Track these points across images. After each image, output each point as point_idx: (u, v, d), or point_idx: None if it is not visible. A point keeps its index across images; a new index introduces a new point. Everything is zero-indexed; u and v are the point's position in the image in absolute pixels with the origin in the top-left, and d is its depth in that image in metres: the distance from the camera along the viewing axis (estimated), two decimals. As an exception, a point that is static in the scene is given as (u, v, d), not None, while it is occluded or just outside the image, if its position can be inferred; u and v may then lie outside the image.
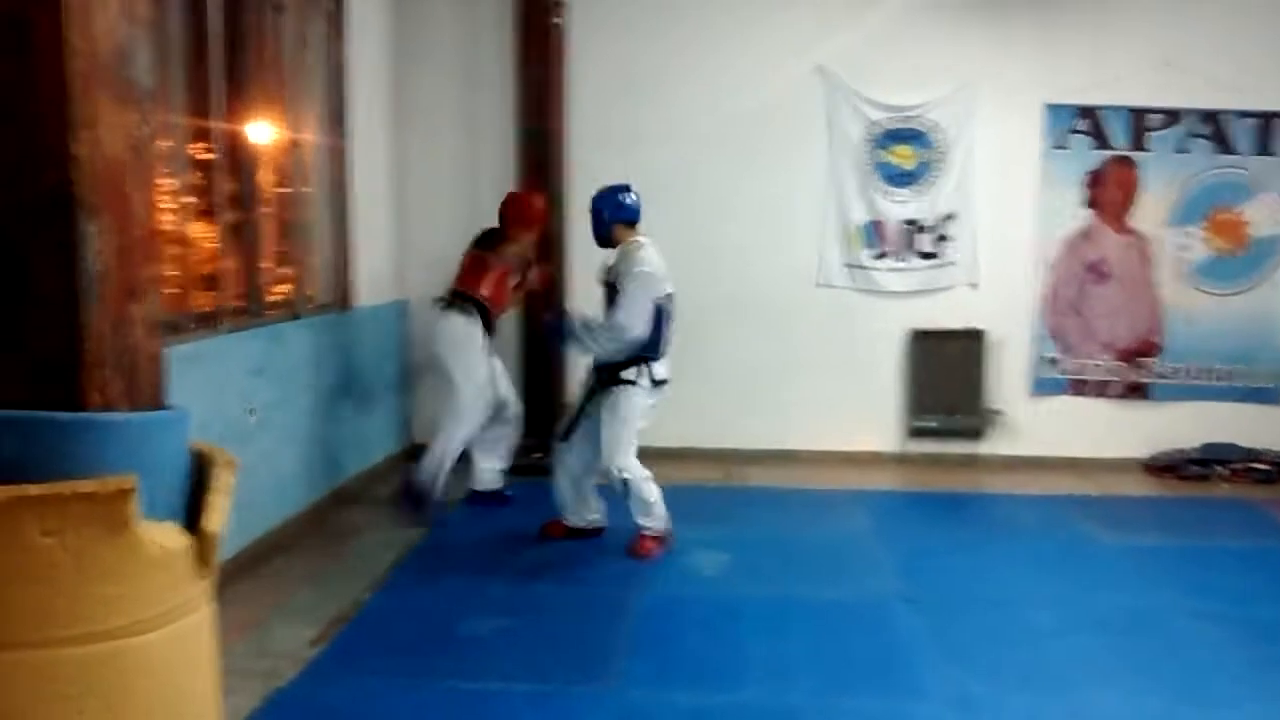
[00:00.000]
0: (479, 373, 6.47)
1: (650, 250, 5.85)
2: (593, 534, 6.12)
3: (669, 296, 5.84)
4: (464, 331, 6.44)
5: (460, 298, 6.50)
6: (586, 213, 6.06)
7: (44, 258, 2.10)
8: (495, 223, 6.69)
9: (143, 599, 2.07)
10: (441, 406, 6.55)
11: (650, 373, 5.83)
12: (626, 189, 5.99)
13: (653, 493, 5.83)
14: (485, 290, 6.53)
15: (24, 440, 2.02)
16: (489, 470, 6.85)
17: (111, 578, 2.01)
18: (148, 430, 2.14)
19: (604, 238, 5.95)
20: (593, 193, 6.04)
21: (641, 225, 6.00)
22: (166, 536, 2.08)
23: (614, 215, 5.90)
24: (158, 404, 2.26)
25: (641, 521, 5.83)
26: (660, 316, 5.80)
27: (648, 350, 5.80)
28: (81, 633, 2.03)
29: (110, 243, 2.16)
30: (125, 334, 2.20)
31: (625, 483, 5.75)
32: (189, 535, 2.14)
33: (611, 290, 5.86)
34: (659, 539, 5.88)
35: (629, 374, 5.78)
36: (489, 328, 6.55)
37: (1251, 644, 4.69)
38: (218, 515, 2.16)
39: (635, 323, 5.67)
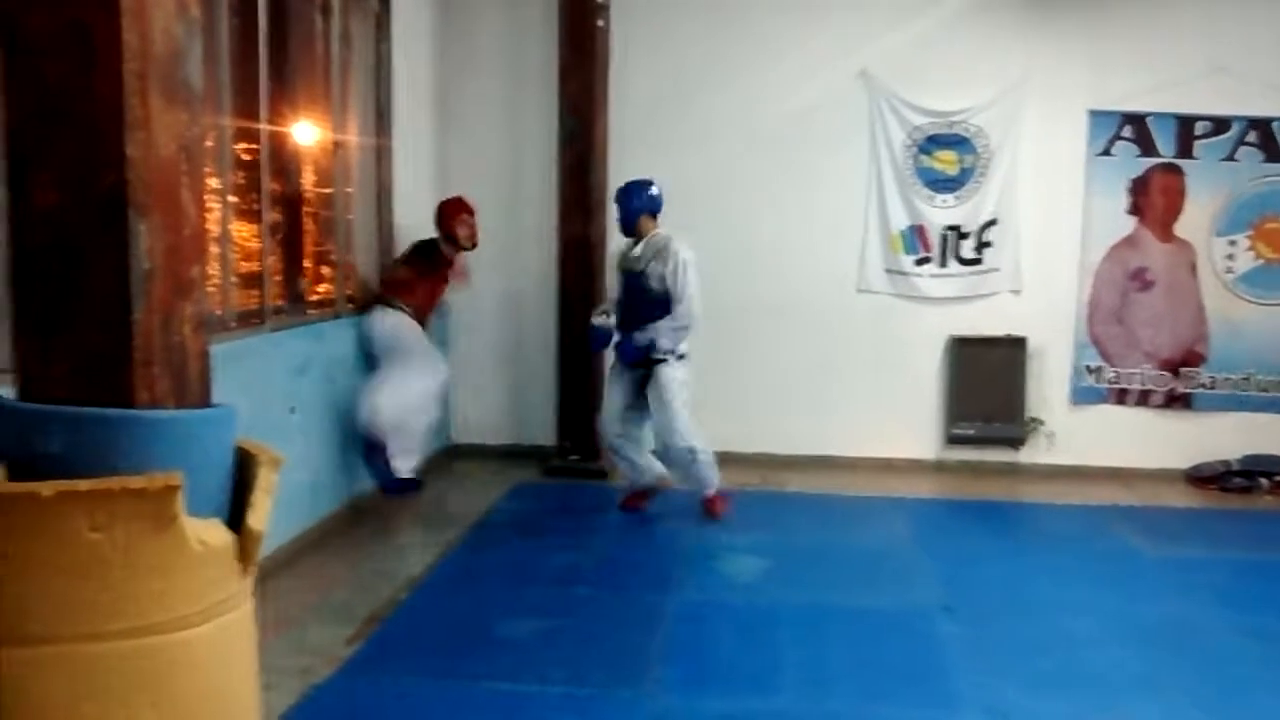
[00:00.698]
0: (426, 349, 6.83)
1: (683, 240, 6.32)
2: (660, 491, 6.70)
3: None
4: (406, 323, 6.69)
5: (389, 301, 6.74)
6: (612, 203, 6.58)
7: (99, 256, 2.13)
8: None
9: (187, 594, 2.10)
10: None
11: (682, 351, 6.33)
12: (651, 182, 6.47)
13: (711, 455, 6.43)
14: (416, 300, 6.81)
15: (73, 436, 2.05)
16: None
17: (157, 573, 2.03)
18: (194, 427, 2.17)
19: (631, 226, 6.41)
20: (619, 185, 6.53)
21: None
22: (210, 533, 2.10)
23: (643, 206, 6.38)
24: (204, 401, 2.28)
25: (709, 485, 6.46)
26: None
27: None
28: (128, 627, 2.05)
29: (160, 242, 2.19)
30: (173, 332, 2.22)
31: (693, 452, 6.32)
32: (232, 532, 2.16)
33: (631, 277, 6.37)
34: (725, 496, 6.54)
35: (659, 353, 6.28)
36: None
37: (1294, 658, 4.63)
38: (261, 513, 2.18)
39: (699, 307, 6.25)
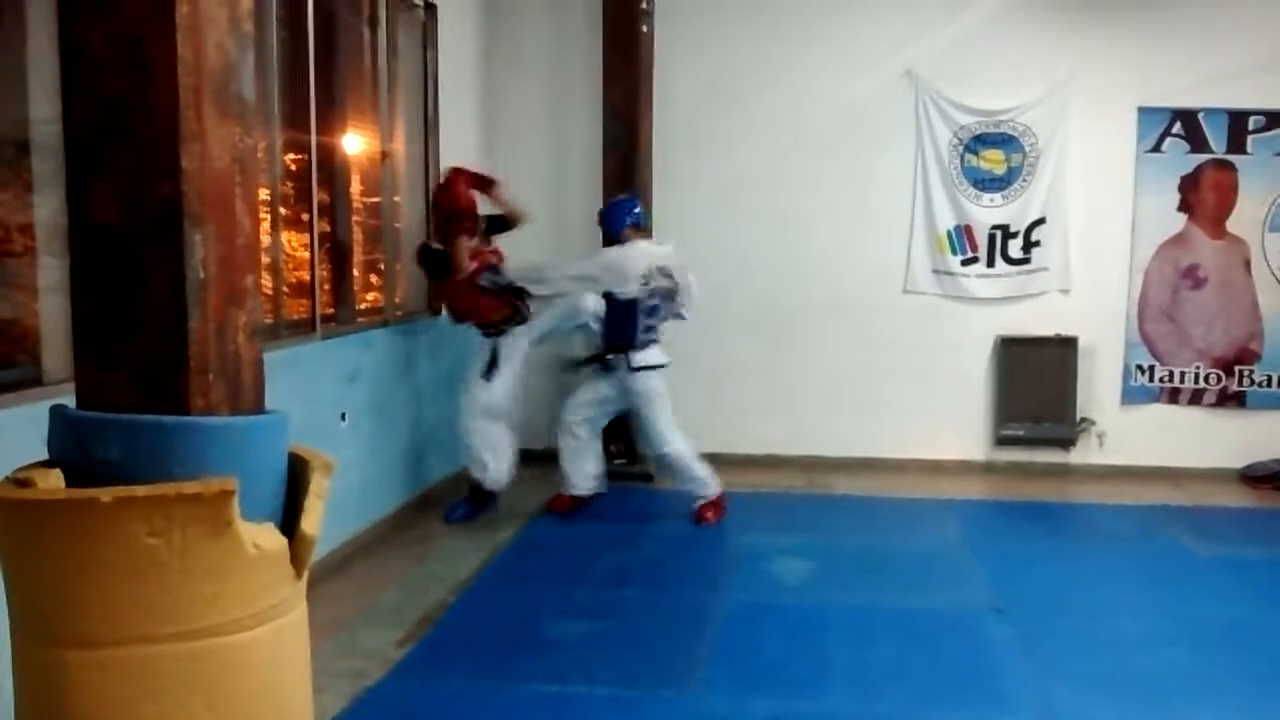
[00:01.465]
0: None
1: (642, 248, 6.54)
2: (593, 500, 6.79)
3: (652, 293, 6.46)
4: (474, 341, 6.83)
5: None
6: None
7: (155, 267, 2.17)
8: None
9: (242, 598, 2.13)
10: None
11: (628, 360, 6.45)
12: (636, 201, 6.83)
13: (698, 461, 6.56)
14: (466, 312, 6.72)
15: (130, 443, 2.09)
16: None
17: (213, 577, 2.07)
18: (248, 434, 2.20)
19: (614, 239, 6.62)
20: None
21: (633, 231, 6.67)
22: (264, 537, 2.13)
23: (630, 223, 6.63)
24: (258, 408, 2.32)
25: (697, 491, 6.57)
26: (635, 309, 6.40)
27: (622, 340, 6.45)
28: (184, 629, 2.08)
29: (214, 251, 2.22)
30: (227, 340, 2.26)
31: (667, 457, 6.53)
32: (286, 537, 2.19)
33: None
34: (716, 504, 6.57)
35: (615, 359, 6.52)
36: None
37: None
38: (314, 518, 2.21)
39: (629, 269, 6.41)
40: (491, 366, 6.61)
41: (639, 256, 6.45)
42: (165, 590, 2.06)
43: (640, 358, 6.46)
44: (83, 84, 2.17)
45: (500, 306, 6.65)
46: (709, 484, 6.56)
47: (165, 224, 2.14)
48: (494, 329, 6.67)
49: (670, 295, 6.61)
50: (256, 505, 2.14)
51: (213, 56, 2.21)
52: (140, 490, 2.01)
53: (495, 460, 6.62)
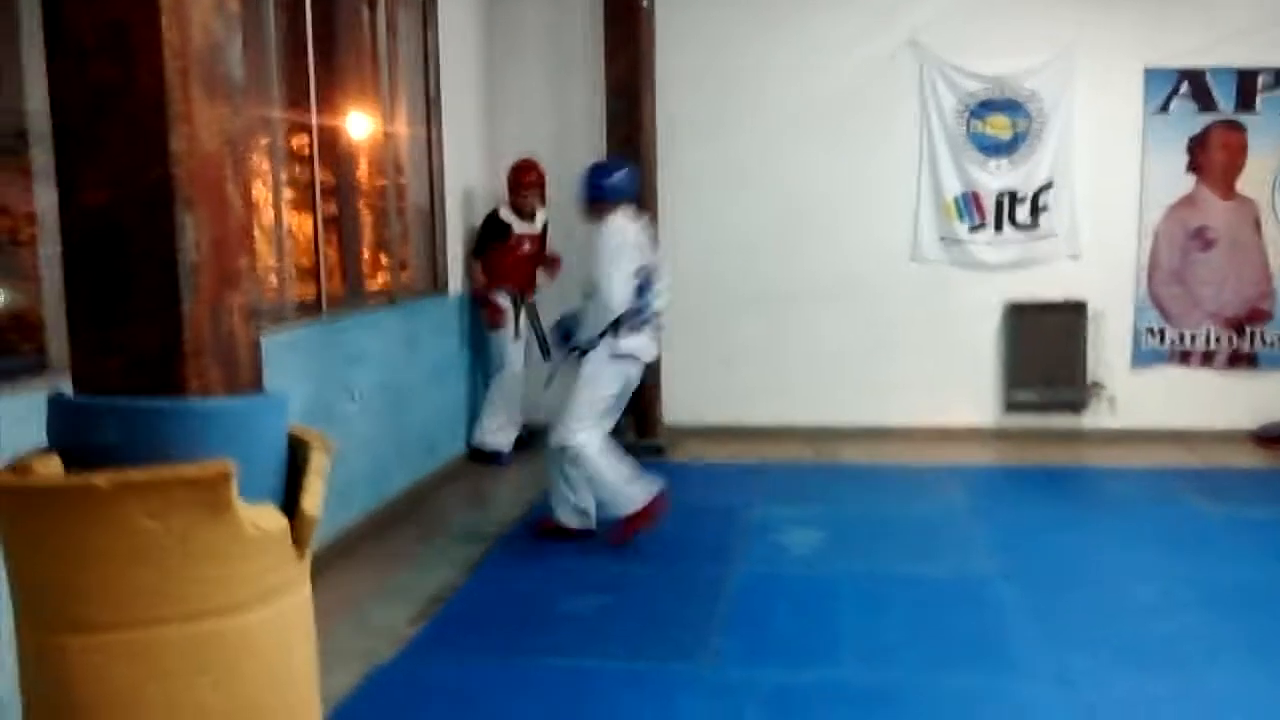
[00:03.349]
0: None
1: (623, 223, 5.58)
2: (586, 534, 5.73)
3: (643, 269, 5.57)
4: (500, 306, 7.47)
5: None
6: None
7: (147, 250, 2.16)
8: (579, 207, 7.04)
9: (244, 579, 2.13)
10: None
11: (612, 343, 5.53)
12: (618, 167, 5.79)
13: (611, 472, 5.52)
14: (503, 279, 7.47)
15: (127, 427, 2.09)
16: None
17: (214, 559, 2.07)
18: (245, 415, 2.20)
19: (587, 211, 5.70)
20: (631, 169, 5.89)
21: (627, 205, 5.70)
22: (265, 518, 2.14)
23: (597, 193, 5.62)
24: (256, 389, 2.32)
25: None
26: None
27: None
28: (187, 611, 2.09)
29: (206, 234, 2.22)
30: (223, 322, 2.25)
31: (571, 454, 5.49)
32: (287, 517, 2.19)
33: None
34: (638, 518, 5.54)
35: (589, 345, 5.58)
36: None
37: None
38: (314, 497, 2.21)
39: (615, 290, 5.42)
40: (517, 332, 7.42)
41: (617, 249, 5.49)
42: (167, 574, 2.07)
43: (625, 344, 5.57)
44: (68, 70, 2.16)
45: (532, 278, 7.55)
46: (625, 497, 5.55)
47: (156, 207, 2.14)
48: (524, 297, 7.44)
49: (649, 275, 5.64)
50: (256, 486, 2.15)
51: (198, 38, 2.20)
52: (138, 474, 2.02)
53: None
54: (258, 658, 2.20)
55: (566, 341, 5.73)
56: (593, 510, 5.69)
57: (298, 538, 2.22)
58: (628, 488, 5.53)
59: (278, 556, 2.18)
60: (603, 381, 5.56)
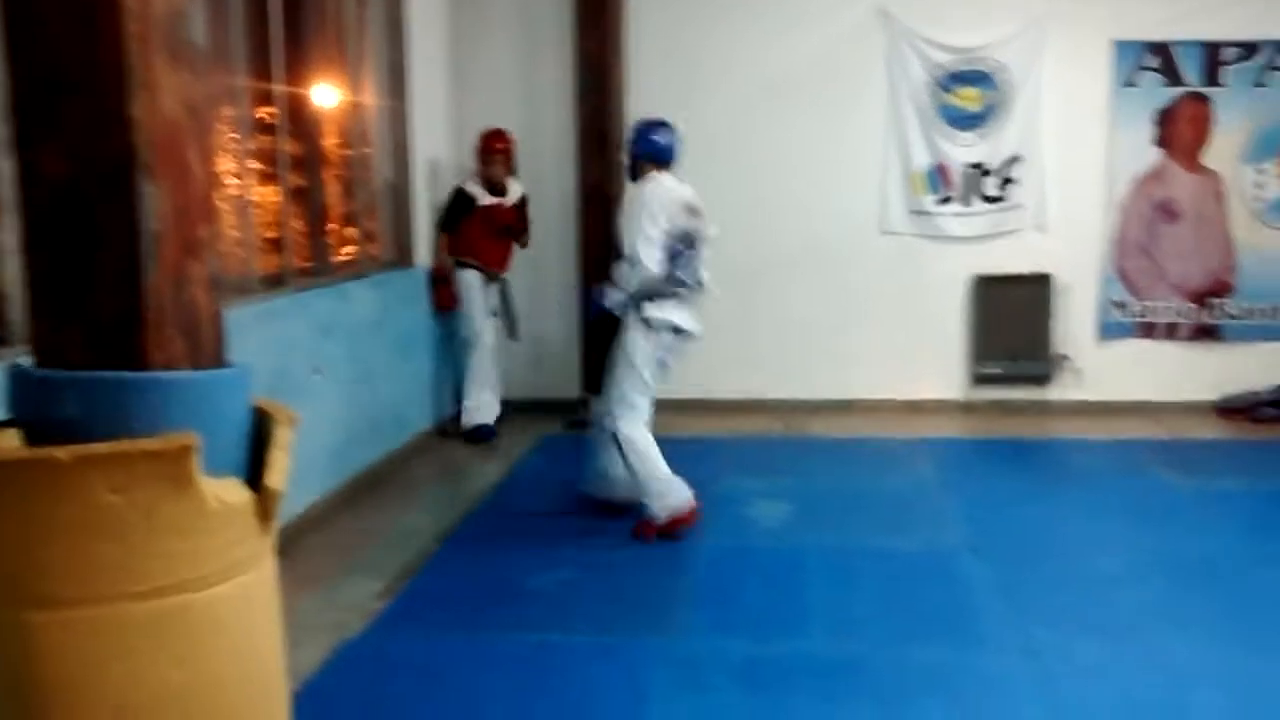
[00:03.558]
0: None
1: (663, 184, 5.30)
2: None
3: (685, 234, 5.25)
4: (466, 282, 7.32)
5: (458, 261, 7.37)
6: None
7: (109, 220, 2.13)
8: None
9: (208, 554, 2.12)
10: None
11: (643, 314, 5.26)
12: (661, 125, 5.46)
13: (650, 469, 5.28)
14: (473, 253, 7.35)
15: (89, 400, 2.07)
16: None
17: (178, 533, 2.05)
18: (209, 388, 2.18)
19: (631, 173, 5.51)
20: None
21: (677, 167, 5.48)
22: (228, 492, 2.12)
23: (642, 151, 5.40)
24: (219, 362, 2.29)
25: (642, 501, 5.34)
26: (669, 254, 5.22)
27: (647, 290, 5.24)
28: (151, 587, 2.07)
29: (168, 203, 2.19)
30: (185, 293, 2.23)
31: (616, 440, 5.31)
32: (251, 491, 2.17)
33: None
34: (668, 524, 5.27)
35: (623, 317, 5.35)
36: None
37: (1327, 589, 4.60)
38: (278, 471, 2.19)
39: (643, 250, 5.13)
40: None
41: (651, 213, 5.18)
42: (130, 548, 2.05)
43: (657, 313, 5.26)
44: (27, 36, 2.12)
45: (504, 254, 7.36)
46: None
47: (117, 177, 2.11)
48: (494, 275, 7.30)
49: (692, 241, 5.29)
50: (219, 460, 2.13)
51: (159, 3, 2.16)
52: (100, 448, 2.00)
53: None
54: (223, 633, 2.18)
55: (597, 306, 5.46)
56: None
57: (262, 511, 2.20)
58: (663, 490, 5.26)
59: (242, 530, 2.16)
60: (638, 355, 5.29)
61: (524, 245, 7.51)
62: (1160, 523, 5.52)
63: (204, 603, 2.13)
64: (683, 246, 5.25)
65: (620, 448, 5.31)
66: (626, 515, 5.43)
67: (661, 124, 5.47)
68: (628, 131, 5.54)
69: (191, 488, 2.04)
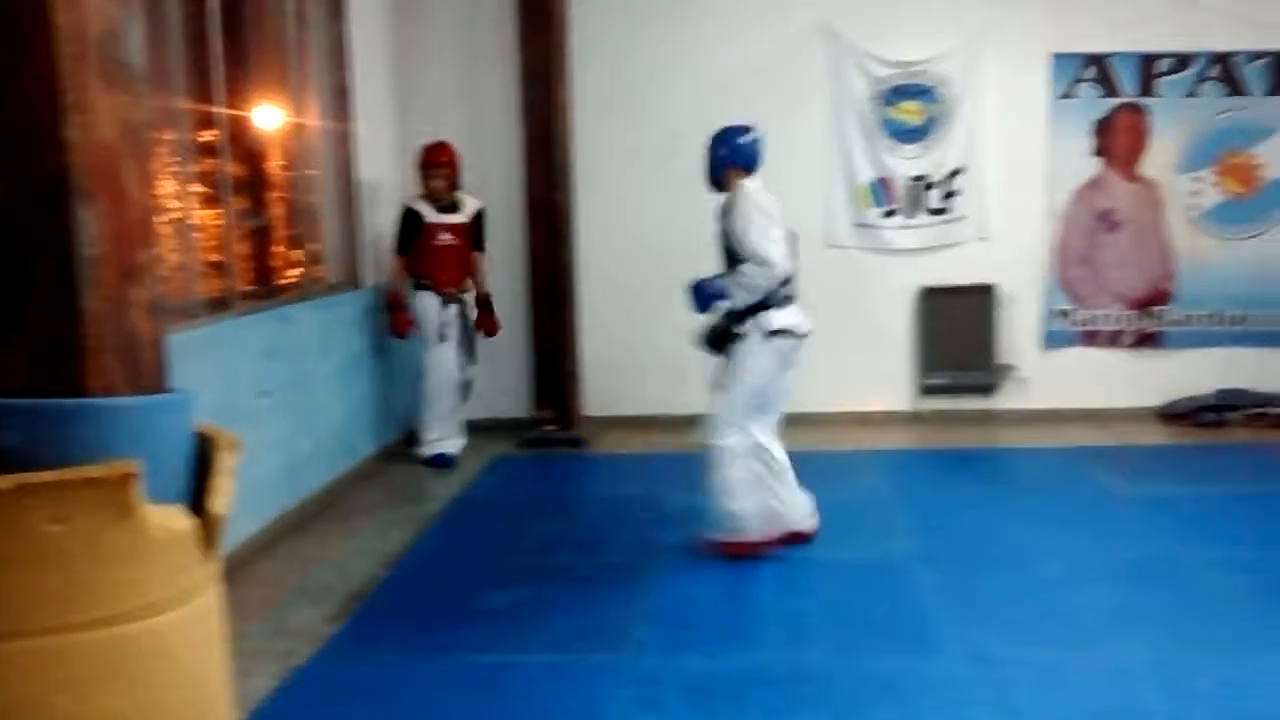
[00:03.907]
0: None
1: (759, 190, 5.23)
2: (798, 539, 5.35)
3: (790, 237, 5.23)
4: (423, 305, 7.12)
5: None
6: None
7: (44, 244, 2.10)
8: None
9: (153, 582, 2.08)
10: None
11: (762, 322, 5.14)
12: (745, 130, 5.36)
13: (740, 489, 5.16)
14: (430, 273, 7.15)
15: (27, 428, 2.03)
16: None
17: (121, 562, 2.02)
18: (149, 414, 2.15)
19: (715, 181, 5.37)
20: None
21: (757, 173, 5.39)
22: (171, 519, 2.09)
23: (728, 158, 5.29)
24: (159, 387, 2.26)
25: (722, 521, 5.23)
26: None
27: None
28: (98, 617, 2.04)
29: (106, 227, 2.16)
30: (124, 318, 2.19)
31: (714, 453, 5.18)
32: (195, 517, 2.14)
33: (725, 237, 5.28)
34: (747, 546, 5.18)
35: (739, 328, 5.19)
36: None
37: (1270, 589, 4.67)
38: (222, 497, 2.16)
39: (773, 251, 5.02)
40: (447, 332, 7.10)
41: (765, 217, 5.11)
42: (73, 578, 2.02)
43: (777, 319, 5.18)
44: (-45, 58, 2.09)
45: (461, 274, 7.17)
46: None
47: (52, 200, 2.08)
48: (452, 295, 7.09)
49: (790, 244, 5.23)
50: (162, 487, 2.10)
51: (94, 22, 2.13)
52: (40, 477, 1.97)
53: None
54: (168, 662, 2.15)
55: (714, 300, 5.23)
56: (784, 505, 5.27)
57: (206, 538, 2.17)
58: (748, 512, 5.16)
59: (186, 558, 2.13)
60: (759, 369, 5.15)
61: (477, 269, 7.36)
62: (1105, 528, 5.58)
63: (149, 631, 2.09)
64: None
65: (712, 459, 5.19)
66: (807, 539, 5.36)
67: (745, 129, 5.37)
68: (708, 139, 5.39)
69: (134, 516, 2.01)
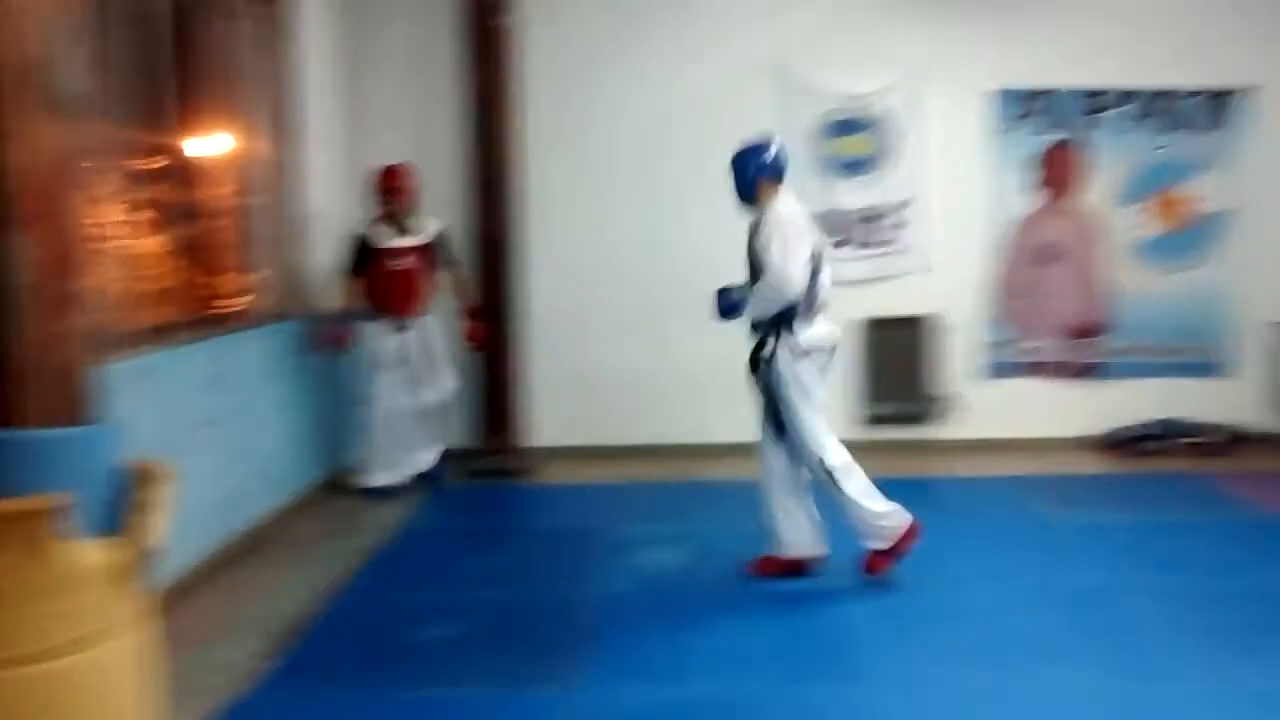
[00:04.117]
0: None
1: (790, 205, 5.28)
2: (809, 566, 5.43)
3: (816, 250, 5.26)
4: (375, 333, 7.09)
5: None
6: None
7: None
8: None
9: (79, 616, 2.06)
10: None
11: (791, 340, 5.24)
12: (767, 144, 5.37)
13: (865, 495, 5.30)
14: (382, 301, 7.11)
15: (-50, 461, 2.00)
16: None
17: (43, 597, 2.00)
18: (77, 446, 2.13)
19: (747, 196, 5.38)
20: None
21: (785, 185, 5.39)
22: (88, 554, 2.06)
23: (757, 172, 5.32)
24: (89, 419, 2.24)
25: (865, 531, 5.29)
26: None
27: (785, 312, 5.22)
28: (24, 653, 2.01)
29: (40, 255, 2.14)
30: (55, 348, 2.18)
31: (830, 474, 5.27)
32: (124, 551, 2.12)
33: (753, 252, 5.32)
34: (894, 548, 5.27)
35: (765, 350, 5.31)
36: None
37: (1201, 616, 4.73)
38: (150, 531, 2.14)
39: (792, 269, 5.07)
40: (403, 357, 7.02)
41: (793, 235, 5.14)
42: (-4, 613, 1.99)
43: (806, 338, 5.29)
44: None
45: (418, 298, 7.05)
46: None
47: (-18, 229, 2.06)
48: (406, 321, 7.00)
49: (820, 256, 5.32)
50: (89, 520, 2.07)
51: (33, 50, 2.12)
52: (-42, 511, 1.94)
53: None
54: (97, 696, 2.13)
55: (731, 310, 5.32)
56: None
57: (132, 572, 2.15)
58: (889, 509, 5.29)
59: (109, 593, 2.11)
60: (806, 388, 5.28)
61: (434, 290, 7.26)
62: (1042, 556, 5.65)
63: (79, 666, 2.07)
64: (815, 263, 5.24)
65: (835, 481, 5.25)
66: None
67: (767, 143, 5.39)
68: (732, 160, 5.41)
69: (50, 552, 1.98)
